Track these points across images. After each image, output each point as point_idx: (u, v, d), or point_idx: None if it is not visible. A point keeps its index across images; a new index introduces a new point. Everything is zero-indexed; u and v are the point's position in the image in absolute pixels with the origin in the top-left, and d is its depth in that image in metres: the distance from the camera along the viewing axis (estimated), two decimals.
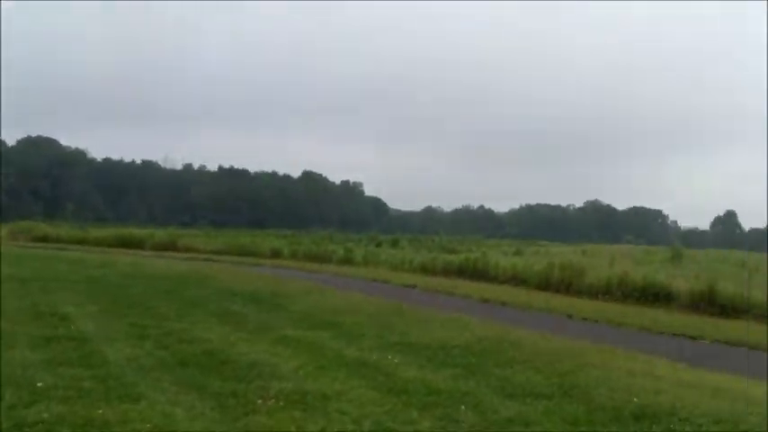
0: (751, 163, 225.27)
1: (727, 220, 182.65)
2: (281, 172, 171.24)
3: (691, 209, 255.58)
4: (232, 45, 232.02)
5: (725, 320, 20.17)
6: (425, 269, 34.08)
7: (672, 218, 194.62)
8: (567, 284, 26.59)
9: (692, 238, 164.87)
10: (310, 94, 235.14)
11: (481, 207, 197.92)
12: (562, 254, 46.48)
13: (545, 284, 27.29)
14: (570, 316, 20.07)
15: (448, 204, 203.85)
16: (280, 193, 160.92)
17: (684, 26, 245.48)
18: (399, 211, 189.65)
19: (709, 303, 21.87)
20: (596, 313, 20.42)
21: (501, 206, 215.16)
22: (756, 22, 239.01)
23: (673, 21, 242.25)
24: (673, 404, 8.54)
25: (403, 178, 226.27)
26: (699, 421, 7.97)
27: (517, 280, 28.83)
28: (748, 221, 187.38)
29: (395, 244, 62.16)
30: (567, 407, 8.53)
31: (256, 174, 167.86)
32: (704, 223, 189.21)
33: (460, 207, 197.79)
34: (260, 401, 8.35)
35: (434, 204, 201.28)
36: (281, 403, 8.31)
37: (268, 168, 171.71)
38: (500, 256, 41.28)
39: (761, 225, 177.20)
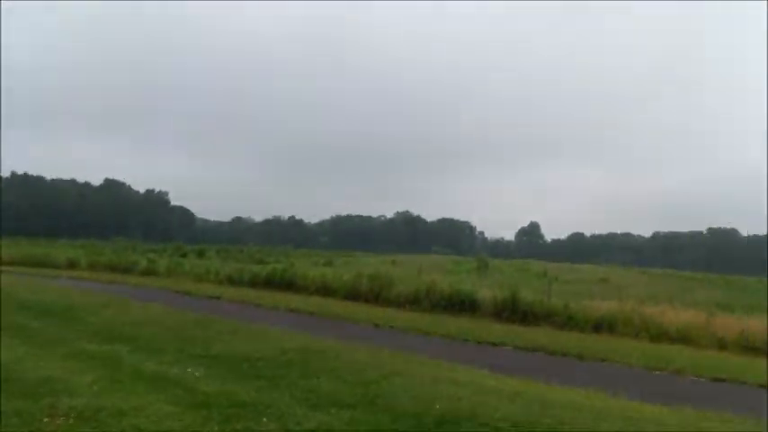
0: (554, 176, 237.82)
1: (531, 232, 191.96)
2: (80, 179, 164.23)
3: (498, 220, 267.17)
4: (30, 47, 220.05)
5: (526, 328, 21.21)
6: (232, 280, 33.69)
7: (480, 229, 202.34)
8: (375, 294, 27.02)
9: (499, 248, 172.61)
10: (114, 100, 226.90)
11: (292, 217, 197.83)
12: (372, 264, 47.36)
13: (354, 295, 27.64)
14: (378, 325, 20.44)
15: (258, 214, 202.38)
16: (79, 202, 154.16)
17: (488, 44, 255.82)
18: (207, 221, 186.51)
19: (512, 311, 22.90)
20: (404, 322, 20.91)
21: (312, 217, 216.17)
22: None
23: (482, 40, 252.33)
24: (473, 409, 8.82)
25: (212, 188, 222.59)
26: (497, 425, 8.26)
27: (326, 290, 29.01)
28: (550, 232, 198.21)
29: (201, 254, 61.18)
30: (371, 416, 8.62)
31: (53, 181, 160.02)
32: (510, 234, 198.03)
33: (271, 217, 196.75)
34: (47, 419, 7.91)
35: (244, 215, 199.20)
36: (72, 420, 7.91)
37: (66, 176, 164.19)
38: (309, 266, 41.51)
39: (561, 236, 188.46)
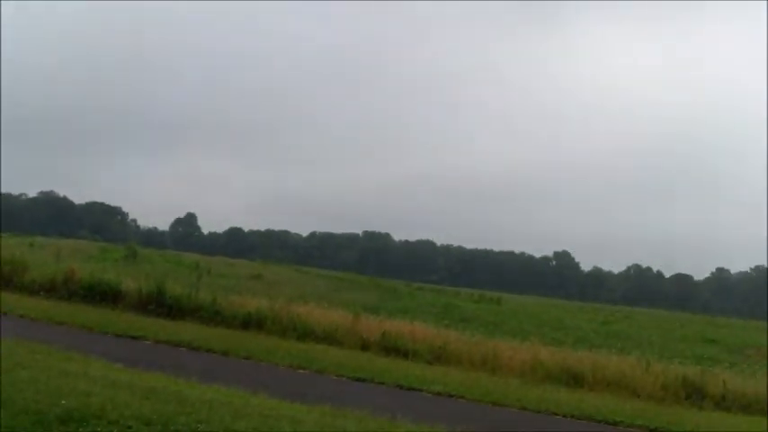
0: (213, 168, 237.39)
1: (188, 223, 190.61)
2: None
3: (153, 209, 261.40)
4: None
5: (171, 321, 21.07)
6: None
7: (132, 216, 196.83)
8: (7, 279, 25.37)
9: (153, 237, 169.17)
10: None
11: None
12: (5, 246, 44.28)
13: None
14: (5, 313, 19.23)
15: None
16: None
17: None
18: None
19: (158, 304, 22.64)
20: (36, 311, 19.92)
21: None
22: None
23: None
24: (103, 406, 8.53)
25: None
26: (128, 423, 8.08)
27: None
28: (208, 225, 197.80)
29: None
30: None
31: None
32: (165, 224, 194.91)
33: None
34: None
35: None
36: None
37: None
38: None
39: (219, 230, 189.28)
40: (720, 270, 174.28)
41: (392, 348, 20.35)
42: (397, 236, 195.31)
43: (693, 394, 18.13)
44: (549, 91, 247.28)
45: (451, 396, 15.33)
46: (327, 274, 66.06)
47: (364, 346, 20.56)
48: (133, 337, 17.57)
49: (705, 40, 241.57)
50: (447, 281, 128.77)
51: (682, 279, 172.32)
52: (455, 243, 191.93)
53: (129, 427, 7.98)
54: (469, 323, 30.37)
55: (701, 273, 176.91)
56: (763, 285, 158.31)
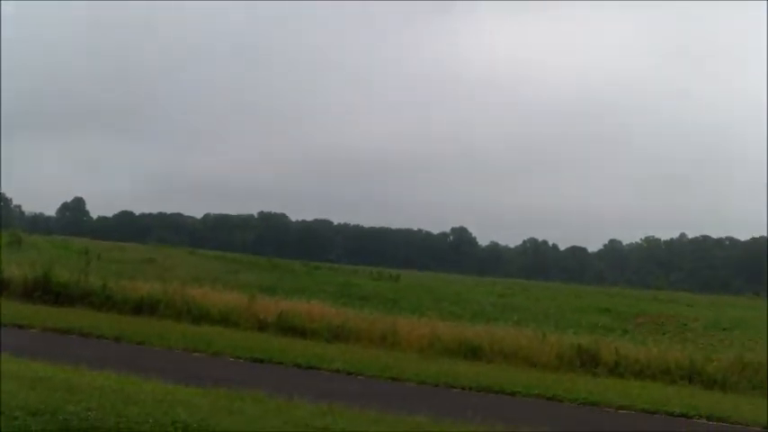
0: (102, 150, 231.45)
1: (75, 207, 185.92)
2: None
3: (38, 194, 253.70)
4: None
5: (59, 308, 20.58)
6: None
7: (17, 202, 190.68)
8: None
9: (39, 223, 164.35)
10: None
11: None
12: None
13: None
14: None
15: None
16: None
17: None
18: None
19: (45, 291, 22.11)
20: None
21: None
22: None
23: None
24: None
25: None
26: (14, 414, 7.87)
27: None
28: (97, 209, 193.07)
29: None
30: None
31: None
32: (51, 209, 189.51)
33: None
34: None
35: None
36: None
37: None
38: None
39: (108, 214, 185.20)
40: (613, 242, 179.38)
41: (289, 328, 20.34)
42: (294, 216, 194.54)
43: (588, 362, 18.68)
44: (444, 66, 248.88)
45: (350, 373, 15.43)
46: (223, 256, 65.58)
47: (261, 327, 20.49)
48: (19, 326, 17.12)
49: (588, 29, 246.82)
50: (344, 259, 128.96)
51: (576, 251, 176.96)
52: (352, 222, 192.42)
53: (16, 418, 7.78)
54: (368, 301, 30.63)
55: (594, 245, 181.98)
56: (652, 256, 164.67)
